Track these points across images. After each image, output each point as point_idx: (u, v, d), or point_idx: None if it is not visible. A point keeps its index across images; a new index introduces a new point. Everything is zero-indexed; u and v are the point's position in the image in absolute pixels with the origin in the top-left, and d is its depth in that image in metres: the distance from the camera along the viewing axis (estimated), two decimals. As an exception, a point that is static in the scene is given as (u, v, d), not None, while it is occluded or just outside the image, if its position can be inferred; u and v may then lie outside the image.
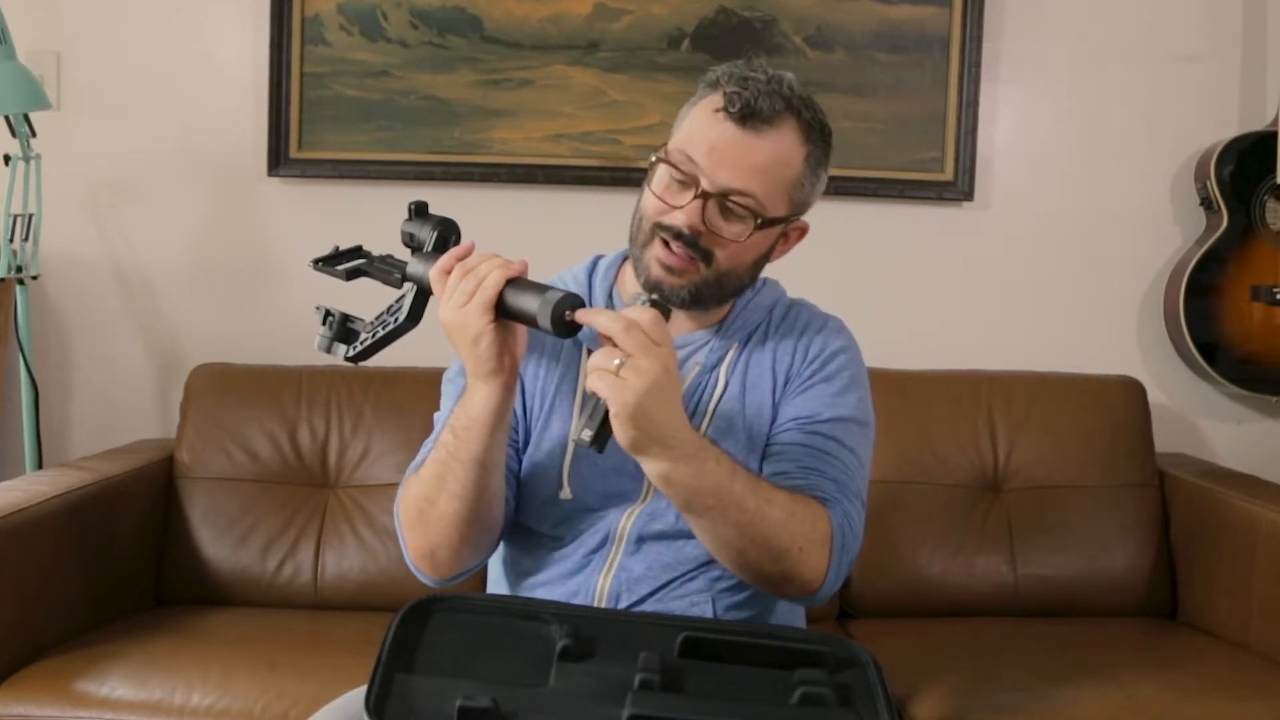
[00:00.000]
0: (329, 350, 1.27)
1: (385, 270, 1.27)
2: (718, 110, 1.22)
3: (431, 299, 1.21)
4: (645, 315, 1.08)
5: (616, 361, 1.05)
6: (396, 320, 1.23)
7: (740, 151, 1.21)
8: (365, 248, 1.32)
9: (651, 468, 1.11)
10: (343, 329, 1.27)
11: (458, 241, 1.23)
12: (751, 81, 1.22)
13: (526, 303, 1.12)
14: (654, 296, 1.12)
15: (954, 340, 2.38)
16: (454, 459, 1.19)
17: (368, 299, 1.42)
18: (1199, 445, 2.44)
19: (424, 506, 1.22)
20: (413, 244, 1.24)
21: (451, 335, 1.16)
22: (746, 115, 1.21)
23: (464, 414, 1.18)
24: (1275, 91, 2.34)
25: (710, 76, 1.26)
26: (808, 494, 1.21)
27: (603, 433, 1.08)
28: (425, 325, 1.23)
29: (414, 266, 1.22)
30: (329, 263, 1.30)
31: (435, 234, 1.22)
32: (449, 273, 1.16)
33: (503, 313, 1.14)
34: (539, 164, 2.35)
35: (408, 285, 1.23)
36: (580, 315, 1.10)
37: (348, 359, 1.26)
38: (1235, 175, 2.28)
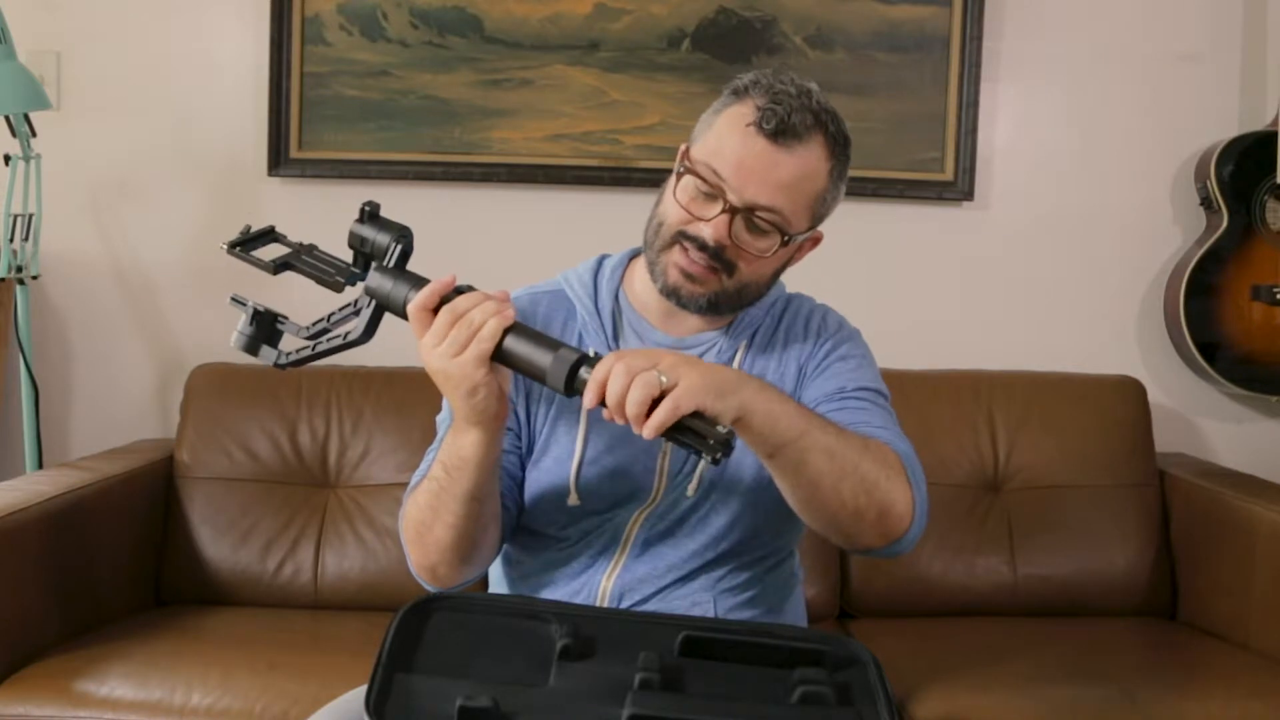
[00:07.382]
0: (254, 351, 1.15)
1: (319, 269, 1.16)
2: (749, 124, 1.19)
3: (389, 315, 1.14)
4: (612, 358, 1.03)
5: (662, 379, 1.00)
6: (347, 337, 1.14)
7: (769, 167, 1.19)
8: (279, 229, 1.20)
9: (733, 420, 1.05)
10: (270, 328, 1.15)
11: (411, 249, 1.14)
12: (783, 96, 1.19)
13: (535, 357, 1.05)
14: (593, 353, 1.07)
15: (954, 340, 2.38)
16: (446, 493, 1.17)
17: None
18: (1199, 445, 2.44)
19: (422, 530, 1.22)
20: (363, 249, 1.14)
21: (441, 384, 1.11)
22: (779, 132, 1.18)
23: (455, 454, 1.15)
24: (1275, 91, 2.34)
25: (738, 85, 1.23)
26: None
27: (714, 448, 1.00)
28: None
29: (377, 282, 1.12)
30: (244, 247, 1.17)
31: (399, 247, 1.12)
32: (433, 311, 1.09)
33: (499, 360, 1.07)
34: (539, 164, 2.35)
35: (363, 299, 1.14)
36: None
37: (279, 365, 1.16)
38: (1235, 175, 2.28)
